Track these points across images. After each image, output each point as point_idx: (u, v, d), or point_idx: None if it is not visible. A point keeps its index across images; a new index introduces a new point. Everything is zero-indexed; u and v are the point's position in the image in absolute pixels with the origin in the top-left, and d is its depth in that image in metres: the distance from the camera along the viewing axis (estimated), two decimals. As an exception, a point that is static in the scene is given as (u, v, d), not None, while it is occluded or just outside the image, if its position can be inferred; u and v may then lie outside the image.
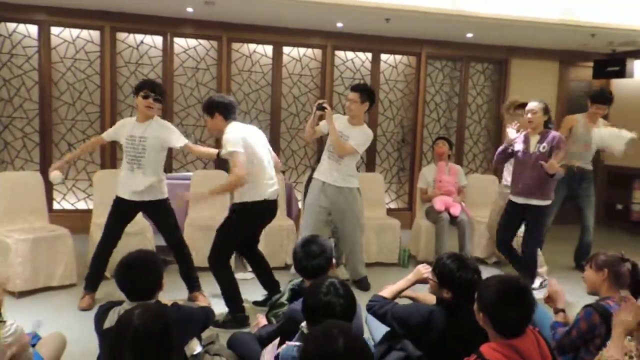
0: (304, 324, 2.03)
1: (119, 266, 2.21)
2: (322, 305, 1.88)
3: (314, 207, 4.09)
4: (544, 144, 3.79)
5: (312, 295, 1.93)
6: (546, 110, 3.88)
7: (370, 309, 2.44)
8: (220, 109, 3.36)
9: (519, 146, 3.94)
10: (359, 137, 4.02)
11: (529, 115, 3.88)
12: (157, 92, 3.56)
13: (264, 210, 3.44)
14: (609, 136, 4.59)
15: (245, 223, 3.43)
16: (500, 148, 4.09)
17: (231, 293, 3.43)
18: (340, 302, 1.89)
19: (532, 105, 3.90)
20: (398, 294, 2.51)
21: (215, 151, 3.74)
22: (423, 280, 2.47)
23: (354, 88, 4.07)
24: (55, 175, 3.61)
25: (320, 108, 3.95)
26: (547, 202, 3.92)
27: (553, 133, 3.85)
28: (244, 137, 3.30)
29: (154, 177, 3.61)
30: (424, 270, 2.48)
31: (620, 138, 4.50)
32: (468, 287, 2.16)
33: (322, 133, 4.15)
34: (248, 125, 3.51)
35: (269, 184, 3.43)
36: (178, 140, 3.65)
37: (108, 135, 3.81)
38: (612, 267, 2.44)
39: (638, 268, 2.45)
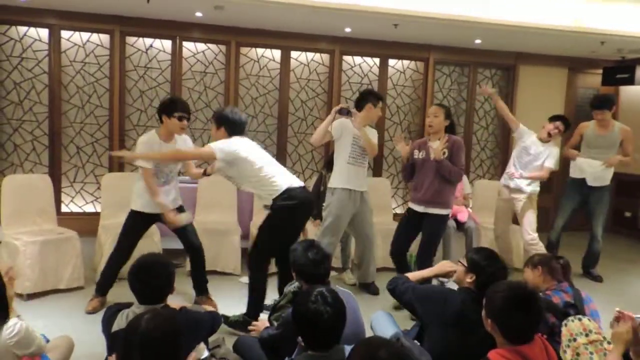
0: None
1: (132, 268, 2.22)
2: (309, 314, 1.88)
3: (345, 218, 4.02)
4: (444, 149, 3.66)
5: (301, 303, 1.94)
6: (448, 115, 3.77)
7: (391, 284, 2.61)
8: (227, 125, 3.39)
9: (418, 153, 3.80)
10: (374, 137, 4.09)
11: (430, 119, 3.75)
12: (189, 113, 3.61)
13: (293, 200, 3.29)
14: (588, 166, 4.73)
15: (280, 219, 3.33)
16: (402, 167, 3.98)
17: (256, 296, 3.42)
18: (328, 311, 1.87)
19: (434, 108, 3.79)
20: (420, 281, 2.69)
21: (201, 171, 3.79)
22: (444, 275, 2.67)
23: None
24: (183, 217, 3.63)
25: (347, 113, 3.90)
26: (447, 211, 3.77)
27: (453, 137, 3.72)
28: (236, 149, 3.28)
29: (177, 187, 3.75)
30: (448, 264, 2.67)
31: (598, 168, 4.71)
32: (490, 278, 2.28)
33: (331, 137, 4.14)
34: (249, 141, 3.48)
35: (284, 176, 3.37)
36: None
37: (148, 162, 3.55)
38: (545, 264, 2.73)
39: (569, 265, 2.82)
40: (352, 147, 3.99)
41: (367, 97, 4.00)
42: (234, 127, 3.39)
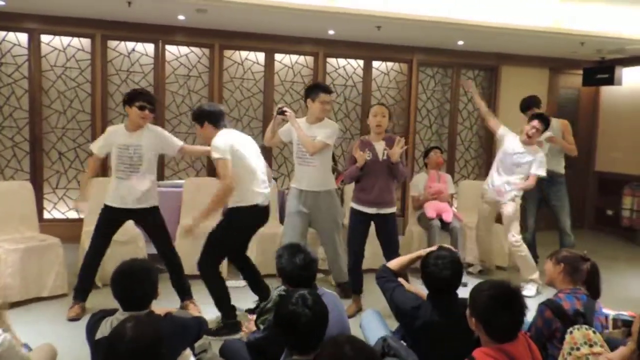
0: None
1: (114, 275, 2.19)
2: (288, 315, 1.89)
3: (294, 216, 3.99)
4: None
5: (281, 305, 1.95)
6: (391, 116, 3.80)
7: (378, 278, 2.67)
8: (210, 118, 3.41)
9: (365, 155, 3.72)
10: (325, 130, 3.91)
11: (378, 118, 3.70)
12: (152, 104, 3.57)
13: (255, 216, 3.46)
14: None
15: (236, 228, 3.45)
16: (354, 172, 3.74)
17: (222, 299, 3.44)
18: (306, 313, 1.87)
19: (382, 108, 3.75)
20: (408, 265, 2.74)
21: (202, 148, 3.83)
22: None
23: (330, 90, 4.03)
24: (83, 207, 3.74)
25: (281, 112, 3.88)
26: (395, 209, 3.80)
27: (396, 137, 3.70)
28: (232, 144, 3.33)
29: (149, 184, 3.62)
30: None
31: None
32: (429, 277, 2.36)
33: (280, 140, 4.11)
34: (239, 133, 3.53)
35: (260, 189, 3.45)
36: (174, 146, 3.73)
37: (99, 148, 3.67)
38: (570, 263, 2.61)
39: (597, 270, 2.64)
40: (297, 147, 3.98)
41: (306, 94, 4.00)
42: (217, 118, 3.42)
